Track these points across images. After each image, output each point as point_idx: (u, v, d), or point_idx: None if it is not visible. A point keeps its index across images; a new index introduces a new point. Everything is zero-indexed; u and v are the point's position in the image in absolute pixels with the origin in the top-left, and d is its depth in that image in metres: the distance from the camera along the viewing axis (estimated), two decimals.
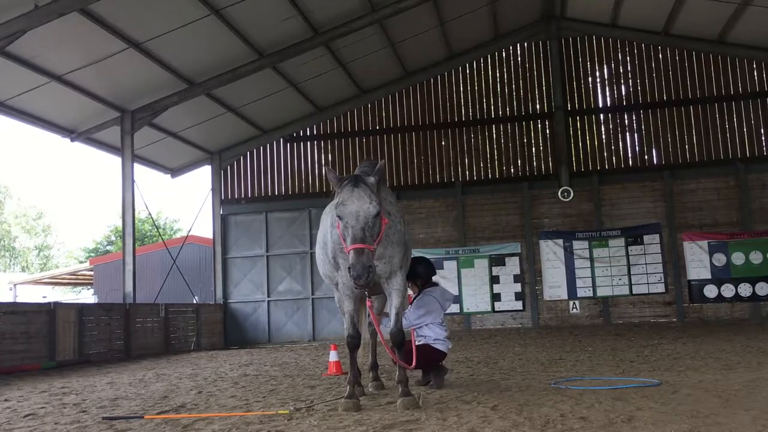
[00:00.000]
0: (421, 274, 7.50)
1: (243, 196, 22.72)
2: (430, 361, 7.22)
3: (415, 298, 7.47)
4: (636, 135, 21.16)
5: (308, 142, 22.68)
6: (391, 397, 6.55)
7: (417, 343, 7.07)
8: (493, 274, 20.73)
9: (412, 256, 7.20)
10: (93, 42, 14.97)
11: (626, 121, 21.28)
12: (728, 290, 19.56)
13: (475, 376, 8.23)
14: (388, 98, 22.34)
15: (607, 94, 21.53)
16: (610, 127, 21.35)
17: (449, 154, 21.84)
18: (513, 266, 20.77)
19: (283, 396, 7.23)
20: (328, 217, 6.66)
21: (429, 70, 22.08)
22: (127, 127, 18.19)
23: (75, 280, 36.35)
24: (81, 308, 15.50)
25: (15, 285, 32.98)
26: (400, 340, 6.29)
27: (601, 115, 21.43)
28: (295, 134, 22.70)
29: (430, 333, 7.24)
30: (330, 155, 22.42)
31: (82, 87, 16.50)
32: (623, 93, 21.39)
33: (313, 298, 21.67)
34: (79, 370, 12.77)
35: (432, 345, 7.21)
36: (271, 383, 8.68)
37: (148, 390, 8.52)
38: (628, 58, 21.44)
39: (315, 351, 15.82)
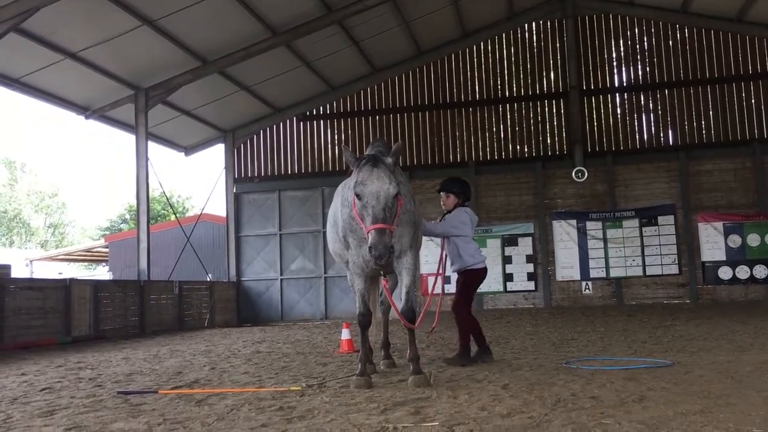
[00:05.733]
0: (465, 193, 7.52)
1: (256, 174, 22.77)
2: (478, 282, 7.37)
3: (446, 215, 7.48)
4: (652, 115, 20.95)
5: (321, 121, 22.66)
6: (402, 375, 6.58)
7: (458, 269, 7.25)
8: (506, 254, 20.71)
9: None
10: (107, 19, 14.97)
11: (642, 101, 21.06)
12: (743, 272, 19.44)
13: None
14: (402, 77, 22.23)
15: (623, 73, 21.30)
16: (626, 106, 21.15)
17: (462, 133, 21.75)
18: (526, 246, 20.74)
19: (295, 373, 7.29)
20: (339, 196, 6.65)
21: (443, 49, 21.92)
22: (141, 104, 18.23)
23: (90, 257, 36.66)
24: (96, 285, 15.67)
25: (31, 261, 33.34)
26: (411, 318, 6.31)
27: (617, 95, 21.23)
28: (308, 113, 22.67)
29: (467, 256, 7.25)
30: (343, 134, 22.39)
31: (96, 64, 16.54)
32: (639, 72, 21.15)
33: (325, 277, 21.76)
34: (95, 345, 12.93)
35: (473, 268, 7.29)
36: (283, 360, 8.74)
37: (163, 365, 8.61)
38: (645, 36, 21.17)
39: (327, 329, 15.91)
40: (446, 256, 7.49)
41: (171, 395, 5.86)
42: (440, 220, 7.51)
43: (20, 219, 54.75)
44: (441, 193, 7.54)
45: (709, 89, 20.60)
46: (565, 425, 4.01)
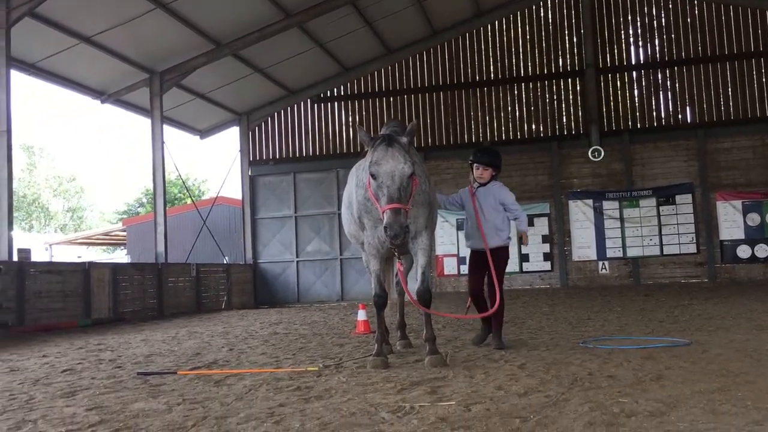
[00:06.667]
0: (500, 166, 7.22)
1: (271, 157, 22.80)
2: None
3: (479, 188, 7.11)
4: (669, 92, 20.69)
5: (335, 103, 22.61)
6: (418, 355, 6.60)
7: (497, 245, 6.87)
8: None
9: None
10: (120, 2, 15.00)
11: (659, 78, 20.79)
12: (762, 250, 19.25)
13: (503, 335, 8.23)
14: (416, 57, 22.09)
15: (640, 50, 21.02)
16: (643, 84, 20.89)
17: (477, 113, 21.61)
18: (542, 227, 20.65)
19: (312, 354, 7.33)
20: (354, 178, 6.64)
21: (457, 28, 21.73)
22: (156, 88, 18.28)
23: (108, 241, 37.02)
24: (115, 268, 15.83)
25: (51, 245, 33.70)
26: (427, 299, 6.29)
27: (634, 72, 20.97)
28: (322, 95, 22.62)
29: (504, 233, 6.97)
30: (357, 115, 22.34)
31: (111, 48, 16.58)
32: (657, 49, 20.86)
33: (341, 259, 21.83)
34: (114, 327, 13.08)
35: (505, 245, 7.03)
36: (300, 341, 8.81)
37: (181, 347, 8.70)
38: (662, 12, 20.85)
39: (343, 310, 15.98)
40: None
41: (190, 376, 5.93)
42: (474, 193, 7.09)
43: (39, 203, 55.30)
44: (475, 165, 7.11)
45: (727, 65, 20.28)
46: (581, 404, 4.01)
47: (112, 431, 3.87)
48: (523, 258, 20.58)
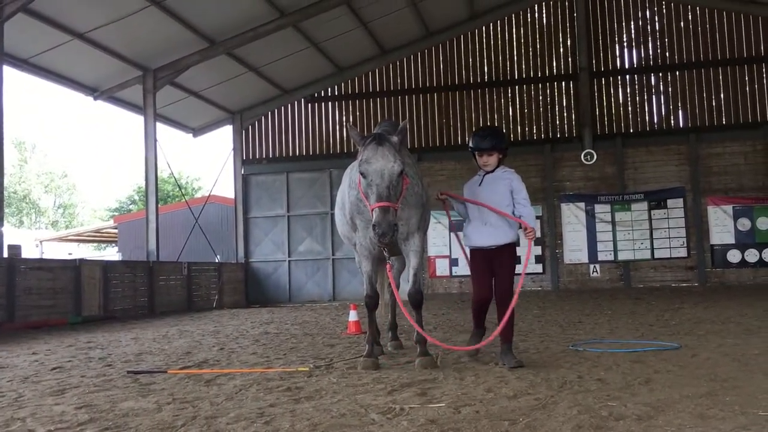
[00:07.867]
0: (505, 148, 6.41)
1: (264, 156, 22.78)
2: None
3: (485, 176, 6.27)
4: (662, 96, 20.78)
5: (329, 103, 22.60)
6: (409, 356, 6.61)
7: (509, 241, 6.14)
8: None
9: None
10: None
11: (652, 83, 20.88)
12: (752, 255, 19.36)
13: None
14: (410, 58, 22.11)
15: (634, 54, 21.10)
16: (636, 88, 20.97)
17: (471, 115, 21.65)
18: None
19: (303, 354, 7.33)
20: (347, 178, 6.64)
21: (451, 30, 21.76)
22: (149, 85, 18.23)
23: (99, 238, 36.87)
24: (106, 265, 15.77)
25: (41, 242, 33.54)
26: (419, 301, 6.28)
27: (627, 76, 21.05)
28: (316, 94, 22.61)
29: (515, 227, 6.12)
30: (351, 116, 22.34)
31: (104, 45, 16.53)
32: (650, 53, 20.95)
33: (333, 259, 21.81)
34: (105, 325, 13.04)
35: (516, 241, 6.16)
36: (291, 341, 8.80)
37: (172, 346, 8.68)
38: (656, 16, 20.95)
39: (335, 311, 15.98)
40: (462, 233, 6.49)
41: (180, 375, 5.92)
42: (480, 183, 6.28)
43: (30, 199, 55.03)
44: (477, 152, 6.23)
45: (720, 71, 20.39)
46: (571, 407, 4.03)
47: (101, 430, 3.86)
48: (515, 260, 20.57)
